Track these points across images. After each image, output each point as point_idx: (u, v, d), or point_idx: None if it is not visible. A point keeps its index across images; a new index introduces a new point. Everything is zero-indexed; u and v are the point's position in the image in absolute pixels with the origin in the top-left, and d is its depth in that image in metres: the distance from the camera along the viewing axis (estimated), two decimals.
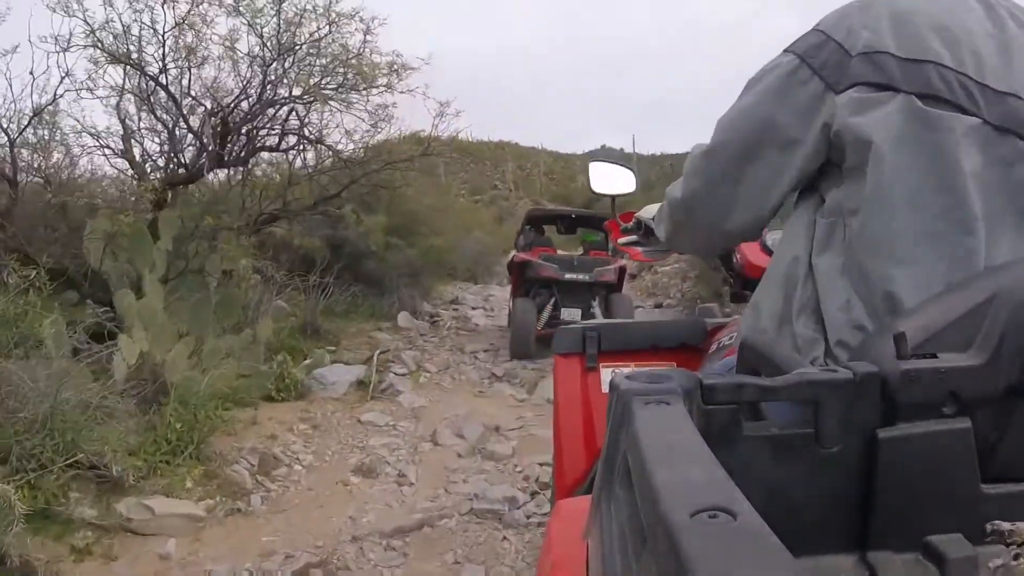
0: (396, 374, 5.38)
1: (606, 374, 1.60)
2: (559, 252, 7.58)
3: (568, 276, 6.52)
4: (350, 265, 7.49)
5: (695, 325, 1.64)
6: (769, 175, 0.92)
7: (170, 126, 5.99)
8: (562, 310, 6.57)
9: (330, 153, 6.94)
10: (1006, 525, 0.47)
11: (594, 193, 1.78)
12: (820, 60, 0.87)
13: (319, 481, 3.43)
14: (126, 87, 5.69)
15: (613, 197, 1.76)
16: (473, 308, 9.51)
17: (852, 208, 0.84)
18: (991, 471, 0.54)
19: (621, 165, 1.81)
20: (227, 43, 5.97)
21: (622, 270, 6.86)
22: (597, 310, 6.51)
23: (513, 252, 7.50)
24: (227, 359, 4.02)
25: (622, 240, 1.65)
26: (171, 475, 3.03)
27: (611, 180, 1.75)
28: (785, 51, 0.92)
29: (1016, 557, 0.44)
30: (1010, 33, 0.85)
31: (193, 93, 5.99)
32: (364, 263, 7.77)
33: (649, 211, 1.44)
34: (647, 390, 0.49)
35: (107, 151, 5.78)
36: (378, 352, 5.67)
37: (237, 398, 3.96)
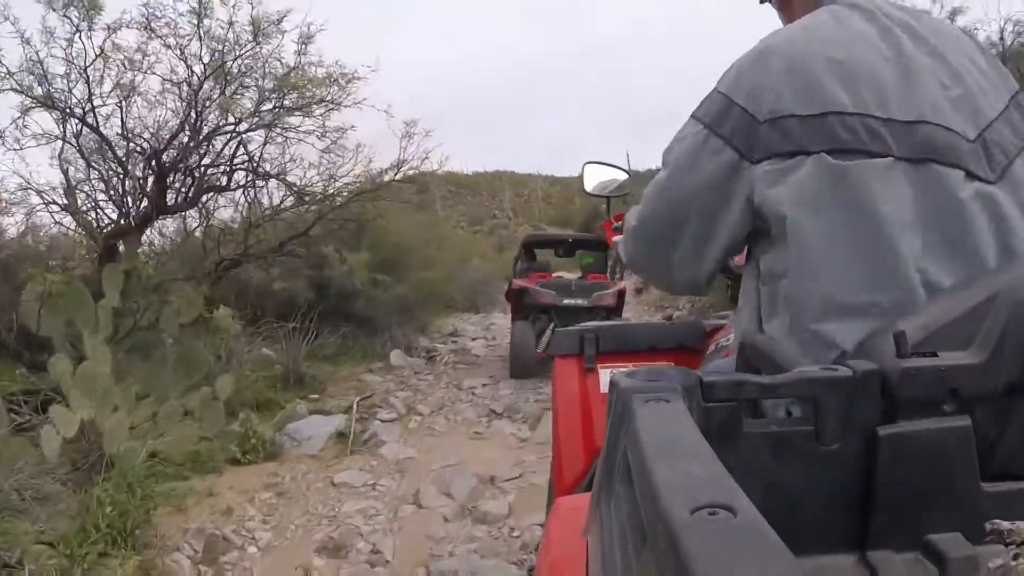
0: (382, 421, 4.91)
1: (604, 375, 1.60)
2: (560, 275, 7.57)
3: (566, 302, 6.53)
4: (337, 306, 7.22)
5: (693, 326, 1.64)
6: (698, 243, 0.93)
7: (106, 173, 5.52)
8: None
9: (293, 189, 6.53)
10: (1006, 524, 0.47)
11: (588, 194, 1.79)
12: (728, 128, 0.85)
13: (274, 566, 2.87)
14: (59, 133, 5.16)
15: (608, 198, 1.78)
16: (473, 339, 9.14)
17: (780, 272, 0.84)
18: (991, 469, 0.54)
19: (615, 167, 1.82)
20: (149, 71, 5.36)
21: (621, 294, 6.82)
22: None
23: (511, 278, 7.48)
24: (186, 421, 3.60)
25: (616, 239, 1.66)
26: (101, 569, 2.50)
27: (605, 181, 1.76)
28: (692, 118, 0.91)
29: (1016, 557, 0.44)
30: (907, 54, 0.83)
31: (128, 133, 5.39)
32: (351, 303, 7.43)
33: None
34: (647, 388, 0.48)
35: (53, 207, 5.30)
36: (359, 399, 5.27)
37: (197, 464, 3.58)
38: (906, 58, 0.82)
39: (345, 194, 6.93)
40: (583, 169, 1.79)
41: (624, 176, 1.78)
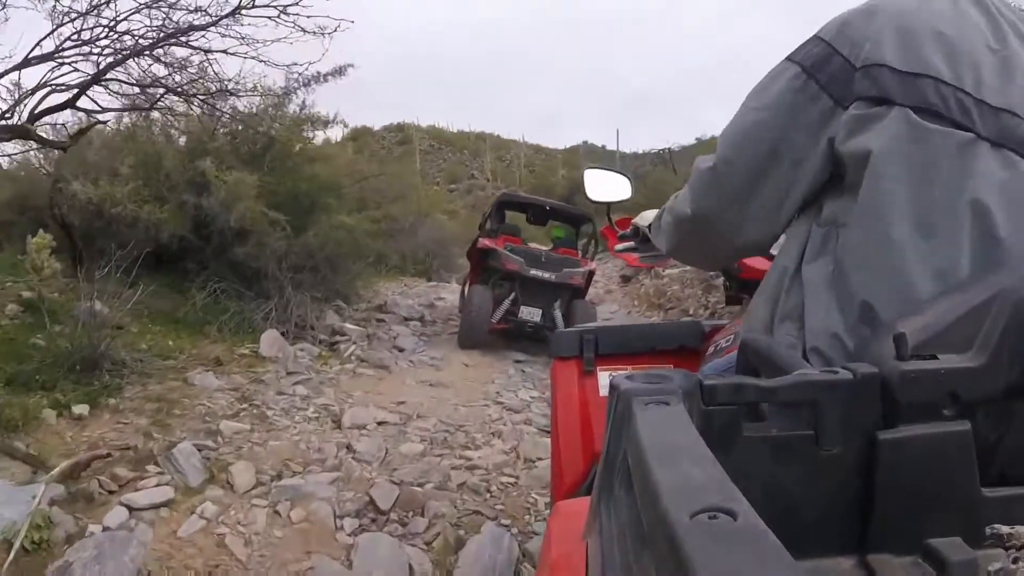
0: (134, 509, 2.40)
1: (604, 377, 1.60)
2: (529, 245, 6.99)
3: (533, 272, 6.14)
4: (220, 251, 5.34)
5: (693, 327, 1.64)
6: (780, 191, 0.92)
7: None
8: (521, 307, 6.20)
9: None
10: (1005, 529, 0.47)
11: (591, 201, 1.77)
12: (827, 75, 0.86)
13: None
14: None
15: (609, 204, 1.76)
16: (407, 319, 7.08)
17: (844, 220, 0.84)
18: (991, 473, 0.54)
19: (616, 172, 1.81)
20: None
21: (590, 274, 6.50)
22: (558, 313, 6.14)
23: (478, 236, 6.90)
24: None
25: (619, 247, 1.65)
26: None
27: (607, 187, 1.76)
28: (789, 60, 0.91)
29: (1015, 561, 0.44)
30: (1011, 48, 0.84)
31: None
32: (233, 247, 5.28)
33: (645, 217, 1.44)
34: (647, 391, 0.48)
35: None
36: (73, 462, 2.60)
37: None
38: (1009, 52, 0.84)
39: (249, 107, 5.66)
40: (584, 175, 1.79)
41: (627, 182, 1.77)
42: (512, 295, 6.25)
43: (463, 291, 6.95)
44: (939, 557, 0.50)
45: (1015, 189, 0.79)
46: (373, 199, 9.43)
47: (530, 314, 6.21)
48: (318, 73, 5.75)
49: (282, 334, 5.19)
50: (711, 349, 1.51)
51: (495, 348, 6.26)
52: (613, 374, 1.49)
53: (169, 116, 5.57)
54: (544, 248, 7.11)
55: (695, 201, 1.02)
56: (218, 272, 5.39)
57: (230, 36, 4.72)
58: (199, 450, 2.98)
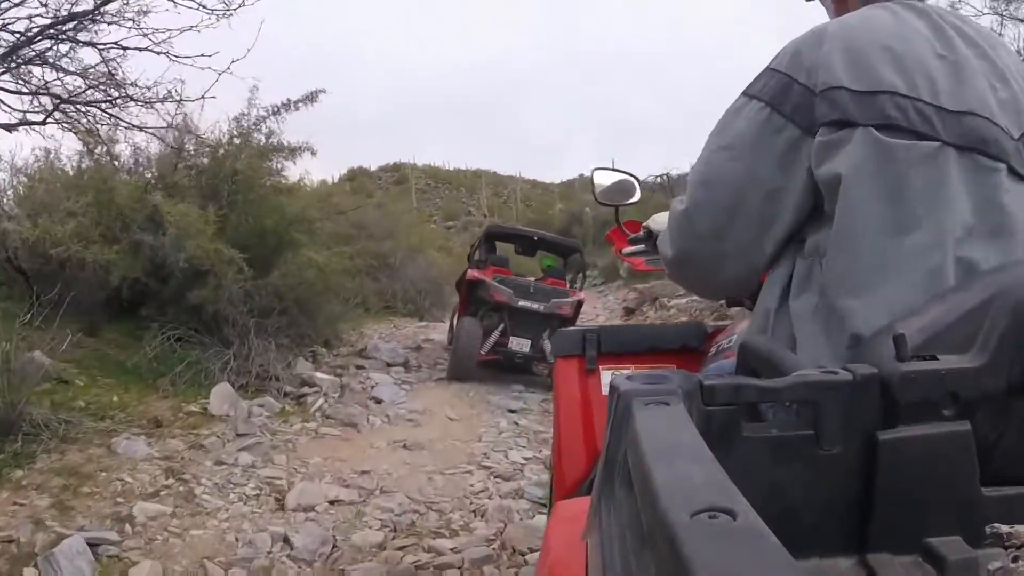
0: None
1: (606, 376, 1.60)
2: (515, 276, 7.04)
3: (522, 303, 6.14)
4: (177, 296, 4.83)
5: (695, 328, 1.65)
6: (757, 227, 0.91)
7: None
8: (511, 338, 6.19)
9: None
10: (1005, 528, 0.47)
11: (599, 202, 1.74)
12: (790, 105, 0.86)
13: None
14: None
15: (617, 207, 1.73)
16: (389, 365, 6.39)
17: (823, 250, 0.84)
18: (991, 473, 0.54)
19: (625, 173, 1.77)
20: None
21: (579, 304, 6.48)
22: (547, 343, 6.06)
23: (467, 268, 6.94)
24: None
25: (627, 250, 1.64)
26: None
27: (616, 189, 1.72)
28: (747, 96, 0.91)
29: (1015, 560, 0.44)
30: (960, 54, 0.85)
31: None
32: (189, 288, 4.73)
33: (658, 221, 1.43)
34: (647, 391, 0.49)
35: None
36: None
37: None
38: (958, 56, 0.84)
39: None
40: (592, 175, 1.74)
41: (633, 183, 1.73)
42: (501, 326, 6.26)
43: (451, 324, 6.91)
44: (939, 556, 0.50)
45: (987, 191, 0.79)
46: (356, 235, 9.00)
47: (519, 345, 6.22)
48: (288, 100, 5.61)
49: (241, 387, 4.62)
50: (713, 350, 1.51)
51: (485, 396, 5.72)
52: (615, 373, 1.50)
53: (88, 136, 4.98)
54: (532, 279, 7.15)
55: (674, 243, 1.02)
56: (177, 318, 4.85)
57: (125, 26, 4.21)
58: (94, 546, 2.36)
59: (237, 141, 5.64)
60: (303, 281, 5.35)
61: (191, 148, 5.50)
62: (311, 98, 5.68)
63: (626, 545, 0.42)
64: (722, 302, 1.60)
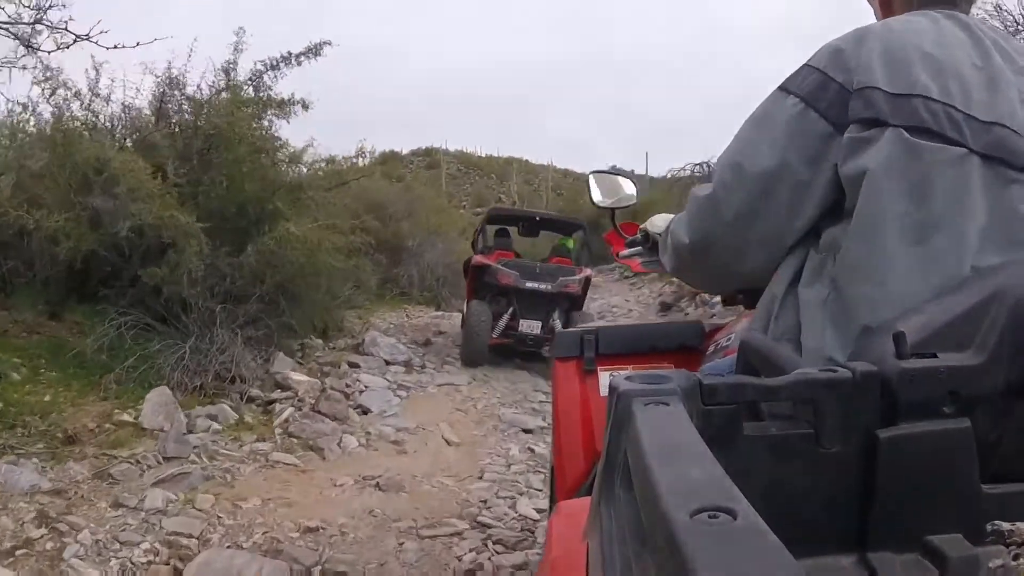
0: None
1: (604, 377, 1.60)
2: (522, 258, 6.98)
3: (529, 285, 6.06)
4: (135, 277, 4.07)
5: (693, 327, 1.65)
6: (781, 218, 0.92)
7: None
8: (520, 321, 6.11)
9: None
10: (1006, 525, 0.47)
11: (596, 206, 1.72)
12: (825, 102, 0.87)
13: None
14: None
15: (613, 210, 1.72)
16: (388, 363, 5.44)
17: (840, 244, 0.85)
18: (991, 470, 0.54)
19: (622, 175, 1.75)
20: None
21: (586, 281, 6.40)
22: (558, 323, 6.03)
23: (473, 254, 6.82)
24: None
25: (624, 252, 1.64)
26: None
27: (612, 192, 1.70)
28: (784, 91, 0.92)
29: (1016, 557, 0.44)
30: (996, 66, 0.86)
31: None
32: (145, 270, 3.95)
33: (655, 223, 1.42)
34: (647, 391, 0.48)
35: None
36: None
37: None
38: (994, 69, 0.86)
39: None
40: (589, 179, 1.73)
41: (632, 186, 1.71)
42: (510, 309, 6.18)
43: (464, 311, 6.80)
44: (940, 554, 0.50)
45: (1007, 201, 0.80)
46: (369, 214, 8.37)
47: (529, 327, 6.14)
48: (289, 53, 4.98)
49: (195, 389, 3.77)
50: (711, 349, 1.51)
51: (497, 408, 4.84)
52: (614, 374, 1.50)
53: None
54: (538, 261, 7.05)
55: (693, 229, 1.02)
56: (138, 300, 4.05)
57: None
58: None
59: (224, 95, 4.91)
60: (286, 261, 4.37)
61: (176, 105, 4.88)
62: (315, 51, 5.10)
63: (627, 545, 0.42)
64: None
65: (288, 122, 5.18)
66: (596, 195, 1.70)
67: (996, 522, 0.47)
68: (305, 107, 5.13)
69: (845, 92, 0.86)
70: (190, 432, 3.33)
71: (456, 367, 6.03)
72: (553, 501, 1.76)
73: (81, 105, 4.56)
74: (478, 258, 6.52)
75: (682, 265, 1.12)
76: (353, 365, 5.20)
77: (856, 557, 0.54)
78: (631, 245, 1.59)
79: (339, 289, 5.70)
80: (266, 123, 5.04)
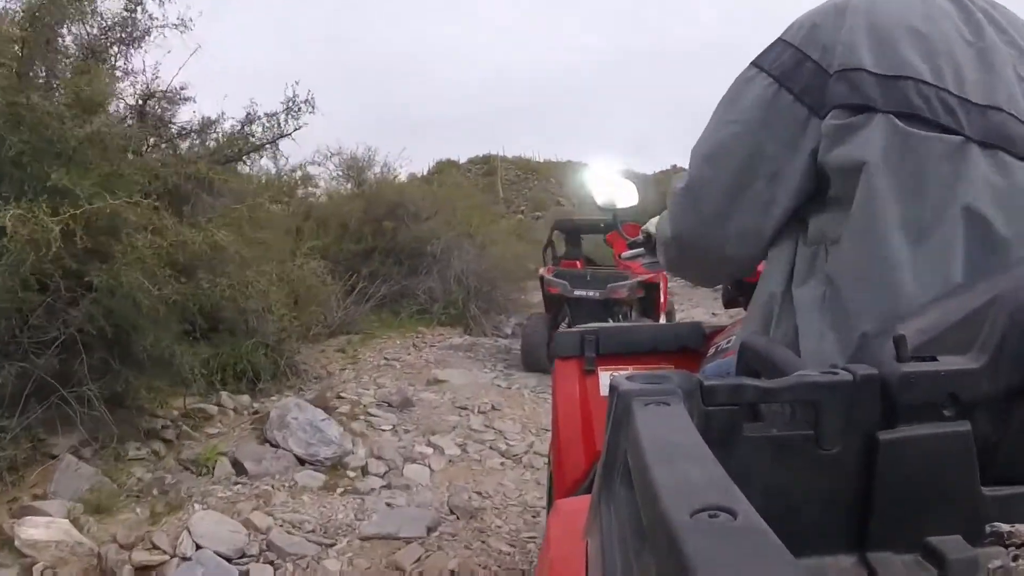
0: None
1: (604, 377, 1.60)
2: (595, 265, 6.86)
3: (577, 293, 5.98)
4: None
5: (694, 329, 1.65)
6: (759, 208, 0.88)
7: None
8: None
9: None
10: (1005, 527, 0.47)
11: (597, 207, 1.69)
12: (800, 84, 0.82)
13: None
14: None
15: (615, 212, 1.70)
16: (302, 462, 3.17)
17: (834, 237, 0.81)
18: (991, 473, 0.54)
19: (623, 176, 1.73)
20: None
21: (643, 286, 6.08)
22: None
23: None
24: None
25: (626, 254, 1.63)
26: None
27: (614, 192, 1.68)
28: (756, 67, 0.87)
29: (1015, 558, 0.44)
30: (988, 41, 0.81)
31: None
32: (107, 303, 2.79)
33: (655, 224, 1.41)
34: (647, 391, 0.49)
35: None
36: None
37: None
38: (986, 43, 0.81)
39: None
40: (590, 181, 1.70)
41: (632, 187, 1.69)
42: (566, 319, 6.15)
43: (527, 321, 6.69)
44: (939, 555, 0.50)
45: (1009, 192, 0.76)
46: (383, 214, 7.12)
47: None
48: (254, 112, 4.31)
49: None
50: (712, 350, 1.51)
51: None
52: (614, 374, 1.50)
53: None
54: (601, 268, 6.86)
55: (674, 224, 0.99)
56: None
57: None
58: None
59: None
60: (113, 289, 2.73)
61: None
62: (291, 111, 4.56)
63: (626, 544, 0.42)
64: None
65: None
66: (599, 198, 1.68)
67: (995, 523, 0.47)
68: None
69: (822, 73, 0.81)
70: None
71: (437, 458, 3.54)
72: (551, 501, 1.76)
73: None
74: (541, 270, 6.59)
75: (671, 260, 1.10)
76: (237, 465, 3.09)
77: (856, 557, 0.54)
78: (633, 247, 1.59)
79: (267, 327, 4.01)
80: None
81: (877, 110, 0.77)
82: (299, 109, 4.61)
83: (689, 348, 1.61)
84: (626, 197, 1.69)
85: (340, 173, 8.83)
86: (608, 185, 1.69)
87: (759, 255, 0.94)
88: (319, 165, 7.14)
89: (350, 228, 7.42)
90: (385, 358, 5.66)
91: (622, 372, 1.53)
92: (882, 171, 0.76)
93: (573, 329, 1.70)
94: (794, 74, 0.83)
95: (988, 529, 0.47)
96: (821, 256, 0.82)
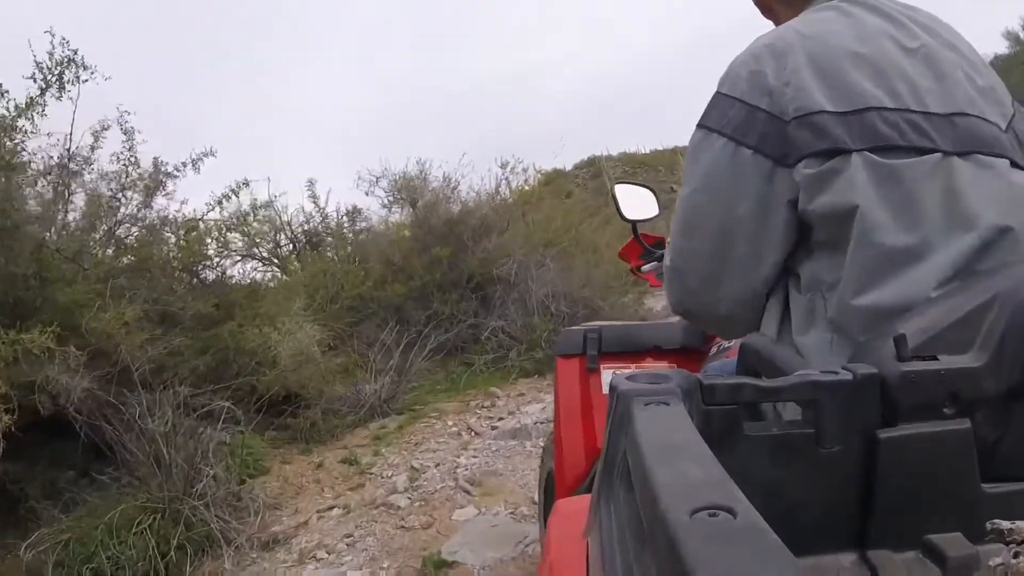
0: None
1: (606, 375, 1.61)
2: None
3: None
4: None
5: (695, 328, 1.64)
6: (746, 271, 0.85)
7: None
8: None
9: None
10: (1006, 524, 0.47)
11: (623, 219, 1.66)
12: (755, 136, 0.79)
13: None
14: None
15: (635, 223, 1.67)
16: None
17: (831, 281, 0.78)
18: (991, 471, 0.55)
19: (644, 187, 1.71)
20: None
21: None
22: None
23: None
24: None
25: (645, 267, 1.62)
26: None
27: (637, 204, 1.65)
28: (705, 128, 0.83)
29: (1016, 555, 0.44)
30: (927, 46, 0.79)
31: None
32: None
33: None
34: (647, 391, 0.49)
35: None
36: None
37: None
38: (927, 50, 0.79)
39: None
40: (615, 190, 1.67)
41: (652, 197, 1.67)
42: None
43: None
44: (939, 552, 0.50)
45: (998, 192, 0.75)
46: (435, 240, 5.67)
47: None
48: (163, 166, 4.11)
49: None
50: (713, 350, 1.52)
51: None
52: (616, 372, 1.50)
53: None
54: None
55: (669, 295, 0.98)
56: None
57: None
58: None
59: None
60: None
61: None
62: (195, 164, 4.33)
63: (626, 544, 0.42)
64: None
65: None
66: (624, 209, 1.63)
67: (996, 521, 0.47)
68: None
69: (776, 120, 0.77)
70: None
71: None
72: (549, 501, 1.76)
73: None
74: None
75: (672, 295, 1.07)
76: None
77: (856, 556, 0.54)
78: (647, 257, 1.57)
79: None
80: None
81: (850, 150, 0.74)
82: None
83: (691, 347, 1.61)
84: (649, 208, 1.66)
85: (391, 199, 6.94)
86: (634, 198, 1.66)
87: (758, 309, 0.91)
88: (367, 195, 6.43)
89: (395, 264, 5.78)
90: (414, 466, 3.60)
91: (624, 370, 1.54)
92: (875, 209, 0.74)
93: (575, 327, 1.70)
94: (747, 128, 0.79)
95: (989, 526, 0.47)
96: (819, 303, 0.79)
